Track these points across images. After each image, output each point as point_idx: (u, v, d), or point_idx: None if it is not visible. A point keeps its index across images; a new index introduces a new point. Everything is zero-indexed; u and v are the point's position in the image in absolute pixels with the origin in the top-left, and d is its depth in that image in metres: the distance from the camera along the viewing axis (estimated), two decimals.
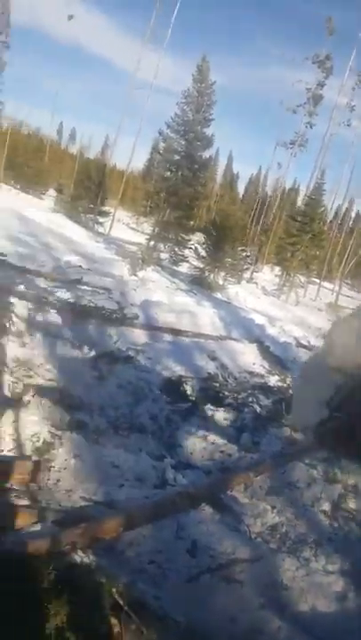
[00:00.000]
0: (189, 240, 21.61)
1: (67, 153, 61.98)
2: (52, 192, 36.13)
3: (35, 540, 3.45)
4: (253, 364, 10.45)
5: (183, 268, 20.74)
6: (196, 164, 21.11)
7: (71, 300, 10.47)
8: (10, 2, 34.77)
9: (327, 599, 3.73)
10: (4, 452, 4.65)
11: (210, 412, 7.03)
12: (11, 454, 4.61)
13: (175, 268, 20.55)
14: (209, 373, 8.89)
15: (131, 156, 33.31)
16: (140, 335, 9.77)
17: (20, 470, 4.26)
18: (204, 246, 20.28)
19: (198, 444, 5.95)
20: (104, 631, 2.87)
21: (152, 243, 21.47)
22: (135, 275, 16.13)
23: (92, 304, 10.65)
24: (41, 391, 5.89)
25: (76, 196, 28.82)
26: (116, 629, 2.89)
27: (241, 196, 61.76)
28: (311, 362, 7.60)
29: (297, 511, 4.80)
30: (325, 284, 32.27)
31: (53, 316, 8.90)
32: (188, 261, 20.84)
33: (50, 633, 2.65)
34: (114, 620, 2.93)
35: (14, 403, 5.40)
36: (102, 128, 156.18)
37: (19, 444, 4.84)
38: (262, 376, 9.78)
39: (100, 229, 27.18)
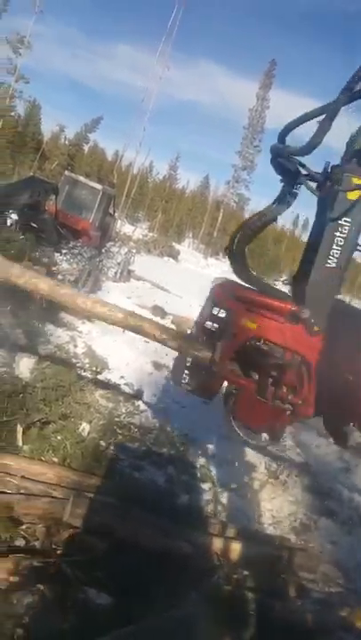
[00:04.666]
0: None
1: (301, 242, 64.69)
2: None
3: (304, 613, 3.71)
4: None
5: None
6: None
7: None
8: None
9: None
10: (265, 526, 5.09)
11: None
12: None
13: None
14: None
15: None
16: None
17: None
18: None
19: None
20: None
21: None
22: None
23: None
24: (295, 473, 6.26)
25: None
26: None
27: None
28: None
29: None
30: None
31: None
32: None
33: None
34: None
35: (271, 480, 5.87)
36: None
37: (277, 521, 5.23)
38: None
39: None
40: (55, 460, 4.41)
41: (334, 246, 4.06)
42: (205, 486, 5.31)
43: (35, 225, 10.02)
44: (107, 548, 3.48)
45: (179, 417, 6.69)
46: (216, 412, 7.34)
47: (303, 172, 4.27)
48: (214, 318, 4.70)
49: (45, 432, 4.78)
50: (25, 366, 6.06)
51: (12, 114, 30.78)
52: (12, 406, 4.78)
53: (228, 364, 4.36)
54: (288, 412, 4.30)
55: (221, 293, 4.53)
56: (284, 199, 4.51)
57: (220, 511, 5.00)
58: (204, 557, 3.88)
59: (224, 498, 5.19)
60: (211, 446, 6.29)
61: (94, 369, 7.27)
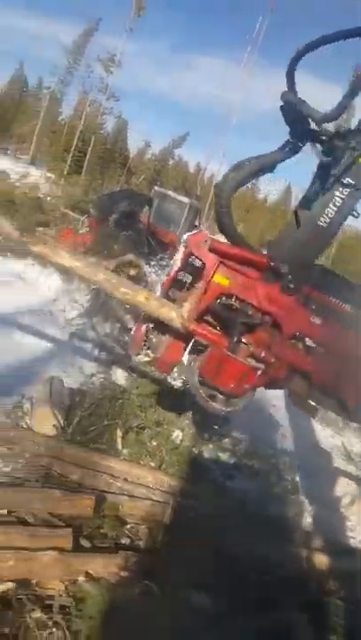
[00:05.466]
0: None
1: None
2: None
3: None
4: None
5: None
6: None
7: None
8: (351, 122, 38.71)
9: None
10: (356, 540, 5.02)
11: None
12: None
13: None
14: None
15: None
16: None
17: None
18: None
19: None
20: None
21: None
22: None
23: None
24: None
25: None
26: None
27: None
28: None
29: None
30: None
31: None
32: None
33: None
34: None
35: None
36: None
37: None
38: None
39: None
40: (152, 464, 4.64)
41: (331, 205, 3.89)
42: (295, 498, 5.33)
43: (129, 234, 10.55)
44: (205, 551, 3.62)
45: (268, 427, 6.75)
46: (306, 423, 7.34)
47: (314, 127, 3.99)
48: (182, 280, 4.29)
49: (142, 437, 5.02)
50: (121, 374, 6.39)
51: (102, 131, 32.37)
52: (112, 411, 5.07)
53: (197, 320, 4.08)
54: (259, 372, 4.09)
55: (196, 244, 4.10)
56: (287, 150, 4.20)
57: (310, 523, 5.00)
58: (295, 567, 3.92)
59: (313, 510, 5.18)
60: (301, 457, 6.28)
61: (184, 377, 7.48)
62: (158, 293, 4.41)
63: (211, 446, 5.64)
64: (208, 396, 4.31)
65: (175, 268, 4.25)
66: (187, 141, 44.76)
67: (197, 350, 4.34)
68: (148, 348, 4.47)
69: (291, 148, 4.17)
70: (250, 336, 4.12)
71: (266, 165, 4.22)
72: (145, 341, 4.46)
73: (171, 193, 13.29)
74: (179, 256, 4.22)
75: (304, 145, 4.18)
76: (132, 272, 9.05)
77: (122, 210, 9.82)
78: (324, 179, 4.08)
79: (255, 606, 3.37)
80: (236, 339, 4.07)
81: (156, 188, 13.73)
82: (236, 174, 4.12)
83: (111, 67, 30.50)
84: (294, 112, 3.94)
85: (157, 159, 36.90)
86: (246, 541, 3.91)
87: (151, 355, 4.42)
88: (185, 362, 4.53)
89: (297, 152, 4.25)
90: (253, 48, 31.74)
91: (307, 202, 4.28)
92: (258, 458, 5.83)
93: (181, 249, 4.22)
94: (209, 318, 4.21)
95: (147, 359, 4.45)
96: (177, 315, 4.01)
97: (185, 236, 4.20)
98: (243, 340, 4.11)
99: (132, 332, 4.86)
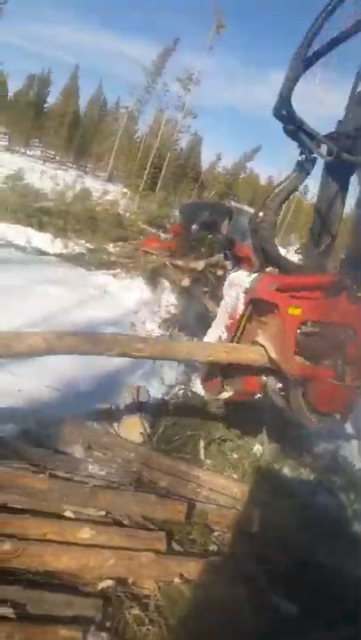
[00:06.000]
0: None
1: None
2: None
3: None
4: None
5: None
6: None
7: None
8: None
9: None
10: None
11: None
12: None
13: None
14: None
15: None
16: None
17: None
18: None
19: None
20: None
21: None
22: None
23: None
24: None
25: None
26: None
27: None
28: None
29: None
30: None
31: None
32: None
33: None
34: None
35: None
36: None
37: None
38: None
39: None
40: (235, 476, 4.72)
41: None
42: None
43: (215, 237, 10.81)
44: (290, 562, 3.66)
45: (349, 442, 6.65)
46: None
47: (318, 137, 4.09)
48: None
49: (223, 449, 5.12)
50: (200, 385, 6.53)
51: (176, 148, 33.08)
52: (195, 422, 5.21)
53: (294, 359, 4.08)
54: None
55: (263, 290, 4.12)
56: (303, 167, 4.28)
57: None
58: None
59: None
60: None
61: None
62: (224, 336, 4.53)
63: (291, 461, 5.64)
64: (318, 420, 4.45)
65: (239, 312, 4.38)
66: (259, 154, 44.79)
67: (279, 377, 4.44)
68: (225, 385, 4.67)
69: (307, 165, 4.30)
70: (345, 356, 4.17)
71: (292, 191, 4.42)
72: (222, 384, 4.66)
73: (246, 207, 13.41)
74: (240, 301, 4.34)
75: (315, 158, 4.29)
76: (220, 272, 9.20)
77: (204, 219, 10.12)
78: (340, 183, 4.14)
79: (337, 617, 3.37)
80: (338, 365, 4.15)
81: (232, 203, 13.91)
82: (268, 212, 4.29)
83: (189, 85, 31.12)
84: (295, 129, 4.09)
85: (229, 173, 37.19)
86: (326, 554, 3.92)
87: (230, 391, 4.61)
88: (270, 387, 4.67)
89: (313, 165, 4.38)
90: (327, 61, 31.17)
91: (327, 207, 4.35)
92: (339, 474, 5.77)
93: (241, 294, 4.32)
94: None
95: (228, 395, 4.62)
96: (270, 360, 4.07)
97: (247, 284, 4.28)
98: (344, 363, 4.21)
99: (201, 381, 5.07)
